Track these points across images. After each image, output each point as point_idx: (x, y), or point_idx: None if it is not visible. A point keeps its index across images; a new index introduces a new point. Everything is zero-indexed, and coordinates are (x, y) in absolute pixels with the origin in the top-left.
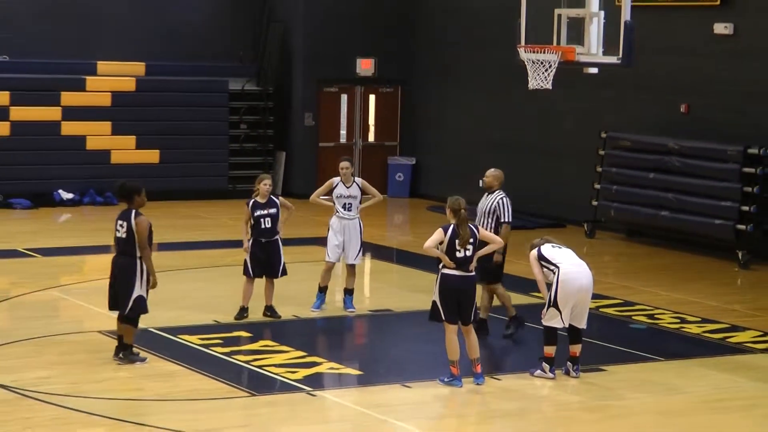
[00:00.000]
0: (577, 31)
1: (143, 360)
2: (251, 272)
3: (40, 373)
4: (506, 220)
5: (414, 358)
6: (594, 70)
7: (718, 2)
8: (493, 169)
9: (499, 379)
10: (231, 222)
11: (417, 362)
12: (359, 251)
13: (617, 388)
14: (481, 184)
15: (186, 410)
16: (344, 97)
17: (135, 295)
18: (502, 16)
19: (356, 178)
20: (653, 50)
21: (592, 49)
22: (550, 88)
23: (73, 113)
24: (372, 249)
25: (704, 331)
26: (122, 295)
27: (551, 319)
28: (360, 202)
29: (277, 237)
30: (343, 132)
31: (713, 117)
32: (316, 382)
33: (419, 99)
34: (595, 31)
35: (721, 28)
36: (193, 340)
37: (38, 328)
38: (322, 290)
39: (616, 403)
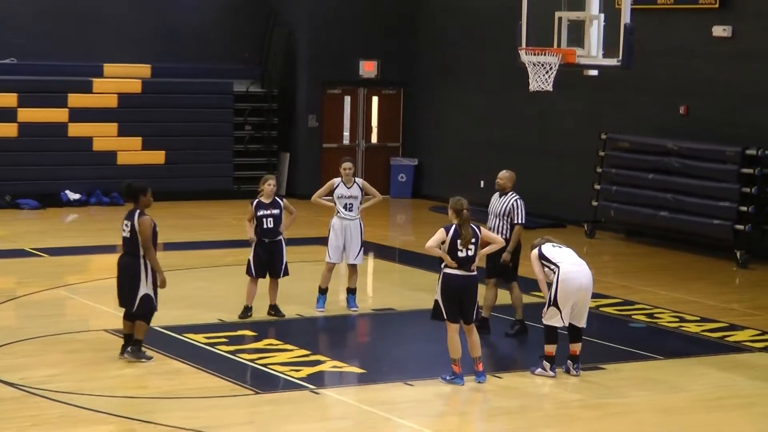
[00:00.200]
0: (577, 33)
1: (149, 359)
2: (254, 272)
3: (47, 371)
4: (519, 221)
5: (416, 357)
6: (594, 72)
7: (716, 5)
8: (505, 171)
9: (500, 378)
10: (235, 222)
11: (419, 361)
12: (360, 251)
13: (617, 386)
14: (481, 184)
15: (191, 408)
16: (347, 99)
17: (141, 293)
18: (502, 18)
19: (357, 179)
20: (653, 52)
21: (592, 52)
22: (551, 90)
23: (79, 115)
24: (375, 249)
25: (703, 330)
26: (128, 294)
27: (551, 318)
28: (361, 203)
29: (280, 237)
30: (346, 133)
31: (712, 118)
32: (319, 380)
33: (421, 100)
34: (595, 33)
35: (719, 31)
36: (198, 339)
37: (45, 326)
38: (323, 292)
39: (615, 401)
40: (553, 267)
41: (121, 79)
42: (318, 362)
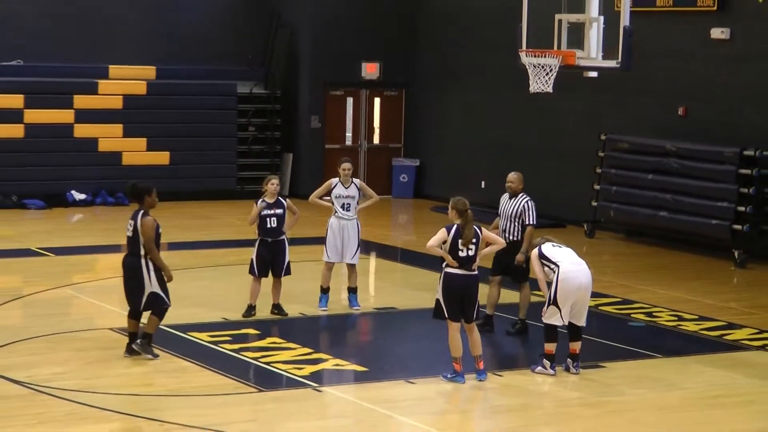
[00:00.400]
0: (577, 35)
1: (155, 356)
2: (257, 272)
3: (54, 369)
4: (531, 222)
5: (418, 355)
6: (594, 74)
7: (715, 8)
8: (514, 173)
9: (501, 376)
10: (239, 222)
11: (420, 359)
12: (357, 250)
13: (616, 384)
14: (482, 185)
15: (196, 405)
16: (350, 100)
17: (147, 292)
18: (503, 20)
19: (354, 180)
20: (652, 54)
21: (592, 54)
22: (551, 91)
23: (85, 116)
24: (377, 248)
25: (701, 329)
26: (134, 294)
27: (551, 317)
28: (358, 203)
29: (283, 237)
30: (348, 134)
31: (710, 119)
32: (322, 378)
33: (423, 102)
34: (594, 35)
35: (717, 33)
36: (202, 338)
37: (51, 325)
38: (325, 291)
39: (615, 399)
40: (552, 266)
41: (126, 80)
42: (320, 360)
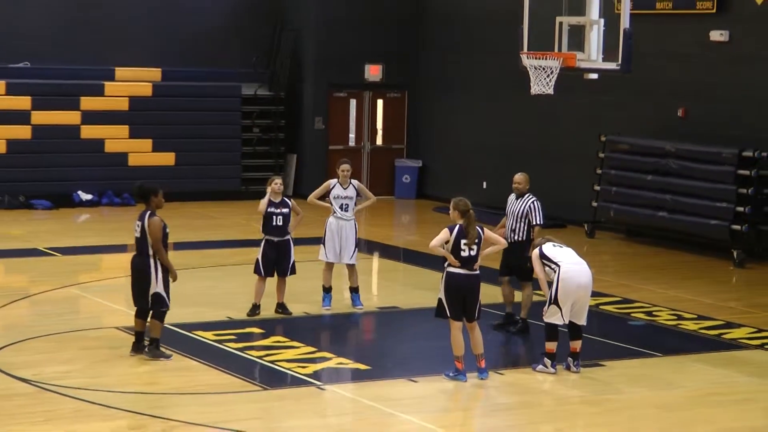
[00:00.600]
0: (577, 38)
1: (168, 357)
2: (262, 271)
3: (60, 367)
4: (537, 222)
5: (420, 354)
6: (594, 76)
7: (714, 10)
8: (520, 174)
9: (502, 374)
10: (244, 222)
11: (423, 358)
12: (355, 251)
13: (616, 382)
14: (484, 185)
15: (201, 403)
16: (353, 102)
17: (152, 291)
18: (504, 23)
19: (353, 181)
20: (651, 57)
21: (592, 56)
22: (552, 93)
23: (92, 117)
24: (380, 248)
25: (700, 328)
26: (141, 294)
27: (552, 316)
28: (356, 204)
29: (288, 237)
30: (351, 135)
31: (709, 121)
32: (325, 376)
33: (425, 103)
34: (595, 38)
35: (716, 36)
36: (207, 336)
37: (58, 324)
38: (327, 290)
39: (615, 397)
40: (553, 266)
41: (132, 82)
42: (324, 359)
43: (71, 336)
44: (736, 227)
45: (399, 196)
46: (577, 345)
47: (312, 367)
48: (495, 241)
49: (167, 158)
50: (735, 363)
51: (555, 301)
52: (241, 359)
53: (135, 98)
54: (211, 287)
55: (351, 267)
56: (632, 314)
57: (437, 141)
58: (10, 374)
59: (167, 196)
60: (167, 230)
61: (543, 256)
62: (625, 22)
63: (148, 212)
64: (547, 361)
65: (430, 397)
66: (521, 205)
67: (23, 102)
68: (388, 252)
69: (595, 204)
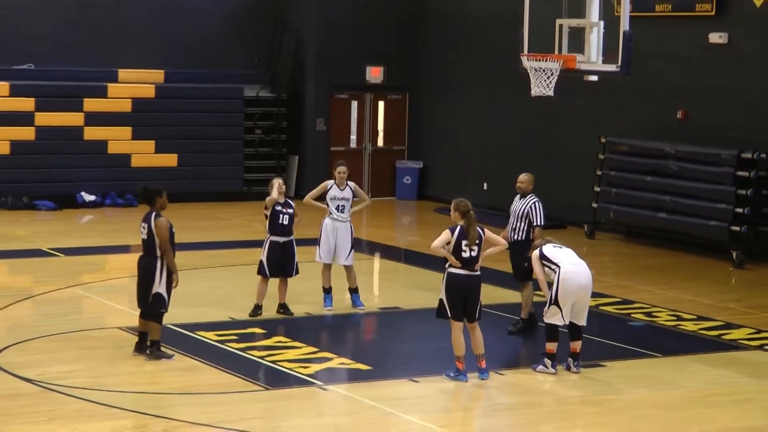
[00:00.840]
0: (577, 40)
1: (170, 357)
2: (267, 272)
3: (64, 367)
4: (537, 222)
5: (421, 354)
6: (594, 78)
7: (713, 13)
8: (525, 174)
9: (502, 374)
10: (246, 223)
11: (424, 358)
12: (351, 252)
13: (616, 383)
14: (484, 186)
15: (204, 403)
16: (354, 104)
17: (153, 291)
18: (505, 25)
19: (349, 182)
20: (651, 58)
21: (592, 58)
22: (552, 95)
23: (95, 119)
24: (381, 249)
25: (700, 329)
26: (145, 293)
27: (552, 317)
28: (352, 205)
29: (292, 237)
30: (353, 137)
31: (709, 123)
32: (327, 376)
33: (426, 105)
34: (595, 40)
35: (716, 38)
36: (210, 337)
37: (61, 324)
38: (327, 291)
39: (614, 398)
40: (553, 267)
41: (134, 84)
42: (326, 359)
43: (74, 336)
44: (736, 228)
45: (400, 198)
46: (577, 345)
47: (314, 367)
48: (495, 242)
49: (170, 159)
50: (734, 364)
51: (555, 302)
52: (243, 359)
53: (138, 100)
54: (213, 288)
55: (348, 268)
56: (632, 315)
57: (438, 142)
58: (14, 374)
59: (169, 197)
60: (173, 230)
61: (543, 257)
62: (624, 24)
63: (154, 213)
64: (548, 362)
65: (431, 397)
66: (523, 205)
67: (27, 103)
68: (390, 253)
69: (595, 205)
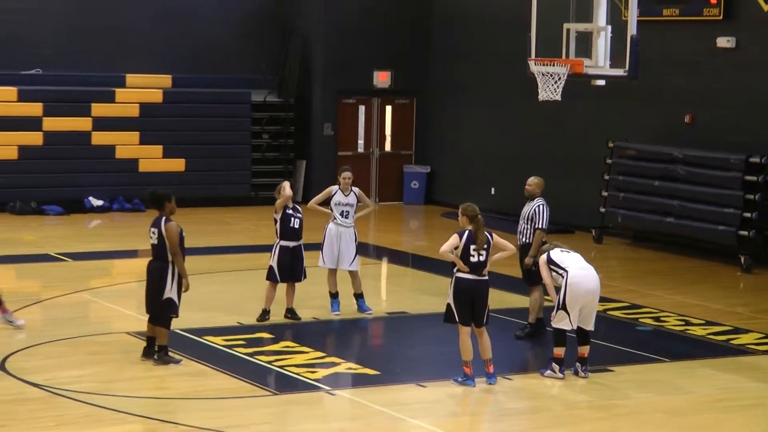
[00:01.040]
0: (585, 44)
1: (178, 362)
2: (278, 277)
3: (72, 372)
4: (540, 226)
5: (429, 359)
6: (601, 82)
7: (720, 17)
8: (533, 177)
9: (510, 379)
10: (253, 227)
11: (432, 362)
12: (355, 257)
13: (624, 387)
14: (492, 191)
15: (211, 408)
16: (362, 108)
17: (164, 297)
18: (512, 29)
19: (354, 188)
20: (658, 63)
21: (600, 62)
22: (560, 99)
23: (103, 124)
24: (388, 254)
25: (708, 333)
26: (154, 298)
27: (560, 321)
28: (356, 211)
29: (301, 242)
30: (360, 141)
31: (716, 127)
32: (335, 381)
33: (433, 110)
34: (602, 44)
35: (723, 42)
36: (217, 341)
37: (69, 329)
38: (334, 296)
39: (622, 403)
40: (561, 271)
41: (142, 89)
42: (333, 364)
43: (82, 341)
44: (744, 233)
45: (408, 202)
46: (585, 350)
47: (321, 372)
48: (503, 247)
49: (177, 164)
50: (743, 369)
51: (563, 307)
52: (250, 364)
53: (145, 105)
54: (221, 292)
55: (353, 273)
56: (640, 319)
57: (445, 147)
58: (22, 379)
59: (177, 202)
60: (183, 235)
61: (551, 262)
62: (632, 29)
63: (164, 218)
64: (556, 367)
65: (439, 402)
66: (529, 209)
67: (35, 108)
68: (397, 257)
69: (602, 209)
